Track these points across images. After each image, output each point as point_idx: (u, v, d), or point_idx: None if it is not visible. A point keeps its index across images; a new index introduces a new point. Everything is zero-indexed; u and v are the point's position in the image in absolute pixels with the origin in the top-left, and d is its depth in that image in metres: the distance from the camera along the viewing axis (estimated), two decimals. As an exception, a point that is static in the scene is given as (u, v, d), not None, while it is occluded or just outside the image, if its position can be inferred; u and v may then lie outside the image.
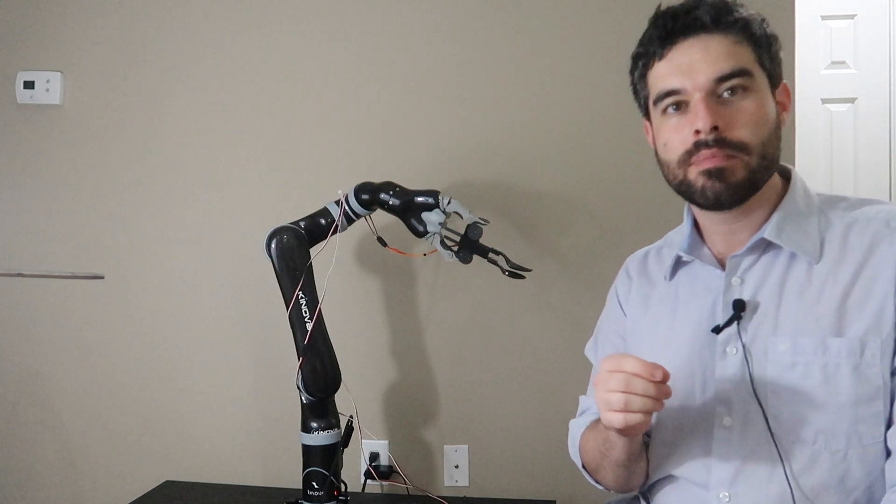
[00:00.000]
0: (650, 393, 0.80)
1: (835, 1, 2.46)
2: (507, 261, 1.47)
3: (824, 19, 2.46)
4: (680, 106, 0.90)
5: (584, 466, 1.08)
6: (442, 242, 1.44)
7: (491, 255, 1.46)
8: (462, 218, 1.44)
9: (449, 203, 1.43)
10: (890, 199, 2.46)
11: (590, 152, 1.65)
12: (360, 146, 1.71)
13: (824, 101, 2.47)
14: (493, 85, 1.68)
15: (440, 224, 1.43)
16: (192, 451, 1.76)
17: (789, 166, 0.98)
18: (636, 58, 0.96)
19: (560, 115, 1.66)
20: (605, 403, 0.83)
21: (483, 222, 1.44)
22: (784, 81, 0.94)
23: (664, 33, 0.90)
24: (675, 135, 0.90)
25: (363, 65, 1.71)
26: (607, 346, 1.12)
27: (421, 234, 1.46)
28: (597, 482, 1.07)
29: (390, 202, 1.45)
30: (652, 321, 1.03)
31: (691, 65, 0.88)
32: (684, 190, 0.92)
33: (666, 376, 0.81)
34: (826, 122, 2.48)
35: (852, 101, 2.47)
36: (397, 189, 1.46)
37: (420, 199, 1.45)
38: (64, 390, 1.79)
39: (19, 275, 1.79)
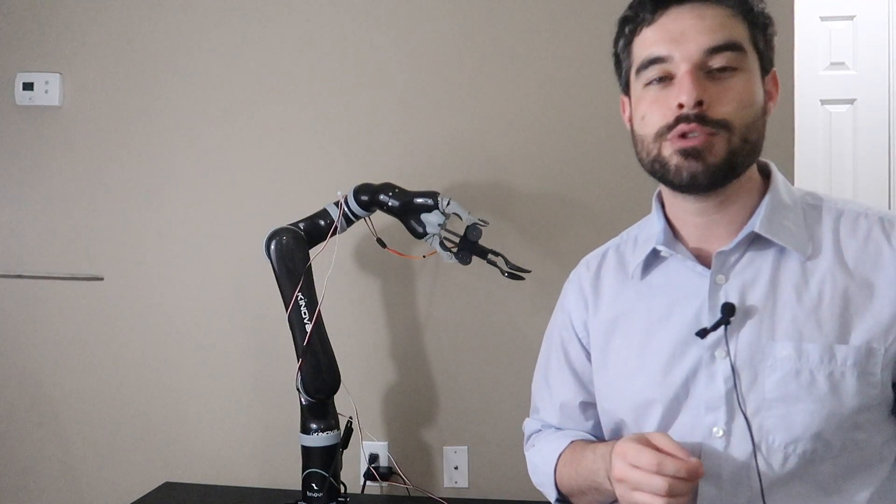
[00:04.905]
0: (688, 491, 0.76)
1: (834, 2, 2.46)
2: (507, 262, 1.47)
3: (823, 20, 2.46)
4: (663, 79, 0.83)
5: (559, 497, 1.00)
6: (441, 244, 1.44)
7: (490, 256, 1.46)
8: (461, 219, 1.44)
9: (448, 204, 1.43)
10: (889, 199, 2.47)
11: (589, 153, 1.65)
12: (359, 147, 1.71)
13: (823, 102, 2.47)
14: (492, 86, 1.68)
15: (439, 225, 1.43)
16: (192, 452, 1.76)
17: (767, 161, 0.92)
18: (623, 22, 0.90)
19: (559, 116, 1.66)
20: None
21: (482, 223, 1.44)
22: (774, 69, 0.88)
23: None
24: (656, 107, 0.84)
25: (363, 66, 1.71)
26: (563, 388, 1.04)
27: (420, 236, 1.46)
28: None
29: (389, 203, 1.45)
30: (624, 333, 0.95)
31: (682, 32, 0.82)
32: (657, 168, 0.85)
33: (702, 466, 0.76)
34: (825, 123, 2.48)
35: (851, 102, 2.47)
36: (396, 190, 1.46)
37: (419, 200, 1.45)
38: (63, 391, 1.79)
39: (19, 276, 1.79)
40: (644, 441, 0.79)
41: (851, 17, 2.46)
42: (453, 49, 1.69)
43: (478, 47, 1.68)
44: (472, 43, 1.68)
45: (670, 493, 0.74)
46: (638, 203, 1.64)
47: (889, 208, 2.44)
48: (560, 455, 0.99)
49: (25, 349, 1.80)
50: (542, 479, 1.02)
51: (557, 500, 1.01)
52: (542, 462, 1.02)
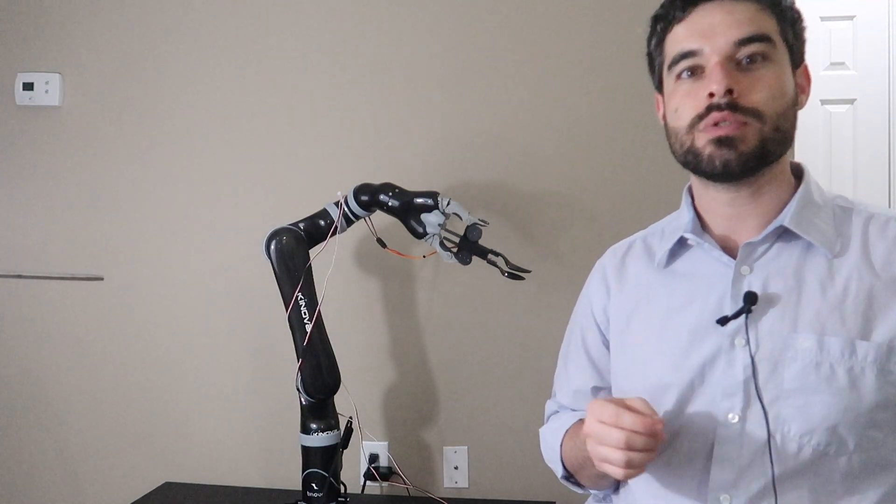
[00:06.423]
0: (650, 447, 0.78)
1: (834, 2, 2.46)
2: (507, 262, 1.47)
3: (823, 20, 2.46)
4: (695, 72, 0.87)
5: (565, 473, 1.03)
6: (441, 244, 1.44)
7: (490, 256, 1.47)
8: (461, 219, 1.44)
9: (448, 204, 1.43)
10: (889, 199, 2.47)
11: (589, 153, 1.65)
12: (359, 147, 1.71)
13: (823, 102, 2.47)
14: (492, 86, 1.68)
15: (439, 225, 1.43)
16: (192, 452, 1.76)
17: (800, 163, 0.94)
18: (655, 20, 0.93)
19: (559, 115, 1.66)
20: (602, 459, 0.80)
21: (482, 223, 1.44)
22: (805, 63, 0.91)
23: None
24: (688, 100, 0.87)
25: (362, 66, 1.71)
26: (578, 373, 1.07)
27: (420, 236, 1.46)
28: (576, 483, 1.04)
29: (389, 203, 1.45)
30: (644, 317, 0.97)
31: (712, 26, 0.85)
32: (690, 159, 0.88)
33: (662, 424, 0.78)
34: (825, 123, 2.48)
35: (851, 102, 2.47)
36: (396, 190, 1.46)
37: (419, 200, 1.45)
38: (63, 392, 1.79)
39: (19, 276, 1.79)
40: (617, 401, 0.81)
41: (851, 17, 2.46)
42: (453, 49, 1.69)
43: (478, 47, 1.68)
44: (473, 43, 1.68)
45: (628, 447, 0.77)
46: (638, 203, 1.65)
47: (889, 208, 2.44)
48: (567, 431, 1.01)
49: (25, 349, 1.80)
50: (551, 455, 1.05)
51: (563, 476, 1.04)
52: (552, 438, 1.05)
